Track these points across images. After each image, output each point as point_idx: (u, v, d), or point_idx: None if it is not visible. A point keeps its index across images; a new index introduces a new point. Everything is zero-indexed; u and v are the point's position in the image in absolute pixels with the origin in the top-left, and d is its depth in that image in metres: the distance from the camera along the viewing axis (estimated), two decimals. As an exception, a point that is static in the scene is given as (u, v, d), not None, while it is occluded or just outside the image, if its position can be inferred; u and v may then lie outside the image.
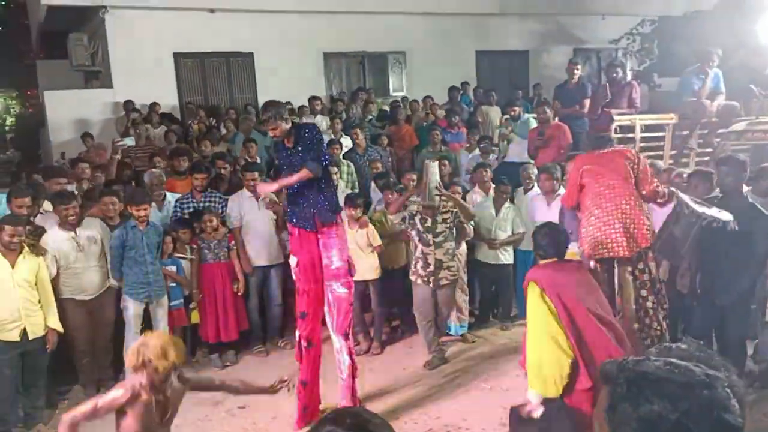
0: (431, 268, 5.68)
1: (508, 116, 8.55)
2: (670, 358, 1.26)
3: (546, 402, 3.31)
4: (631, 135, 7.76)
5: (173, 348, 3.04)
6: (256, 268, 6.24)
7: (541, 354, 3.33)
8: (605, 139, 5.95)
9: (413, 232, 5.78)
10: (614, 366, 1.28)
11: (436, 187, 5.55)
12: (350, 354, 4.85)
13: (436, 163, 5.85)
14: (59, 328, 5.04)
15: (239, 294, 6.16)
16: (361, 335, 6.47)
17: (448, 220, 5.73)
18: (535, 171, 6.75)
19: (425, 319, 5.84)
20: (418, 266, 5.77)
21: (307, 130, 4.60)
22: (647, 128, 7.89)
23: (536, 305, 3.39)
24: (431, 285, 5.71)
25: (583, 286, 3.54)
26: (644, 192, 4.70)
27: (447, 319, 6.05)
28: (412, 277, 5.84)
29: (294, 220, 4.72)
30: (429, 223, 5.68)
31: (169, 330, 5.62)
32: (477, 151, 8.32)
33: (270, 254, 6.28)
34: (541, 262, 3.68)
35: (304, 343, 4.81)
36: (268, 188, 5.11)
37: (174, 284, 5.88)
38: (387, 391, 5.40)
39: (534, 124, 8.05)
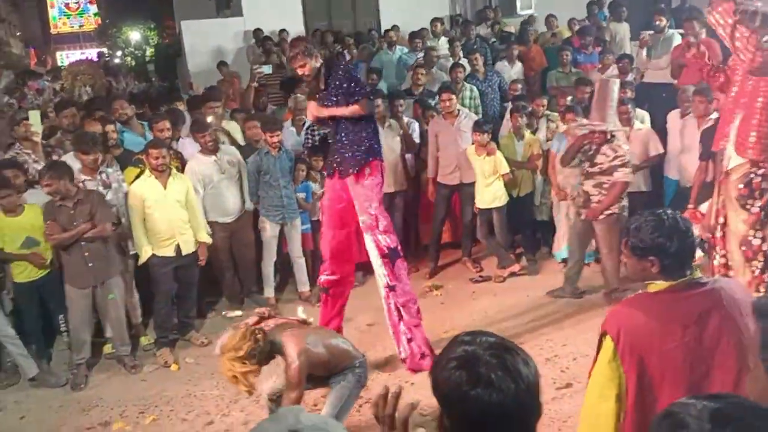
0: (581, 199, 5.36)
1: (651, 32, 7.83)
2: None
3: None
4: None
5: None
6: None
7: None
8: None
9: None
10: None
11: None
12: (393, 306, 4.60)
13: (618, 80, 5.41)
14: (209, 240, 5.46)
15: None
16: (484, 261, 6.52)
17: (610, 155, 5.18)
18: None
19: (572, 258, 5.66)
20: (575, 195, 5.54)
21: (340, 70, 4.36)
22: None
23: (599, 372, 2.17)
24: (582, 217, 5.38)
25: (709, 338, 2.08)
26: None
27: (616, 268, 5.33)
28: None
29: (323, 163, 4.62)
30: (592, 150, 5.24)
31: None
32: (612, 72, 7.76)
33: (396, 181, 6.35)
34: (649, 287, 2.22)
35: (321, 287, 4.86)
36: (316, 111, 4.55)
37: (302, 210, 6.11)
38: (511, 316, 5.44)
39: (679, 39, 7.35)
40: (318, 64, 4.37)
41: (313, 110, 4.57)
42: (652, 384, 2.08)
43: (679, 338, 2.07)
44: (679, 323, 2.09)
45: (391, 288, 4.58)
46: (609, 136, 5.13)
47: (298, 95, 7.14)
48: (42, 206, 4.92)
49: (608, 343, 2.15)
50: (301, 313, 3.85)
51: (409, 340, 4.62)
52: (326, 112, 4.47)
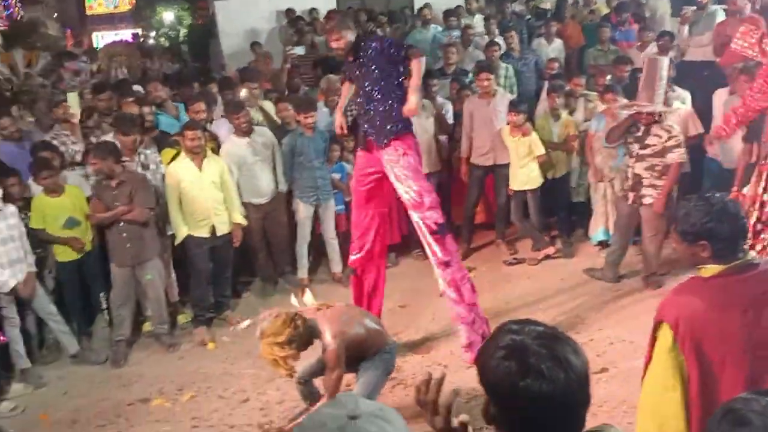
0: (630, 182, 5.23)
1: (693, 7, 7.57)
2: None
3: None
4: None
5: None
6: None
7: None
8: None
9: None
10: None
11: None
12: (451, 284, 4.41)
13: (666, 59, 5.21)
14: (244, 222, 5.51)
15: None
16: (518, 243, 6.45)
17: (664, 136, 5.04)
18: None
19: (616, 242, 5.55)
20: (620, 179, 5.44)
21: (371, 41, 4.27)
22: None
23: (659, 362, 2.13)
24: (630, 201, 5.26)
25: (767, 320, 2.06)
26: None
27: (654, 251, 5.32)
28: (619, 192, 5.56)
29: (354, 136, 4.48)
30: (641, 132, 5.10)
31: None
32: (651, 50, 7.54)
33: (429, 162, 6.27)
34: (701, 271, 2.18)
35: (350, 268, 4.80)
36: (413, 108, 4.25)
37: (336, 191, 6.10)
38: (545, 299, 5.39)
39: (722, 15, 7.12)
40: (353, 38, 4.34)
41: (416, 106, 4.27)
42: (713, 370, 2.05)
43: (737, 322, 2.04)
44: (735, 307, 2.06)
45: (446, 264, 4.39)
46: (658, 117, 4.99)
47: (331, 76, 7.11)
48: (80, 186, 5.05)
49: (666, 332, 2.10)
50: (293, 301, 3.87)
51: (471, 323, 4.42)
52: (414, 98, 4.22)
